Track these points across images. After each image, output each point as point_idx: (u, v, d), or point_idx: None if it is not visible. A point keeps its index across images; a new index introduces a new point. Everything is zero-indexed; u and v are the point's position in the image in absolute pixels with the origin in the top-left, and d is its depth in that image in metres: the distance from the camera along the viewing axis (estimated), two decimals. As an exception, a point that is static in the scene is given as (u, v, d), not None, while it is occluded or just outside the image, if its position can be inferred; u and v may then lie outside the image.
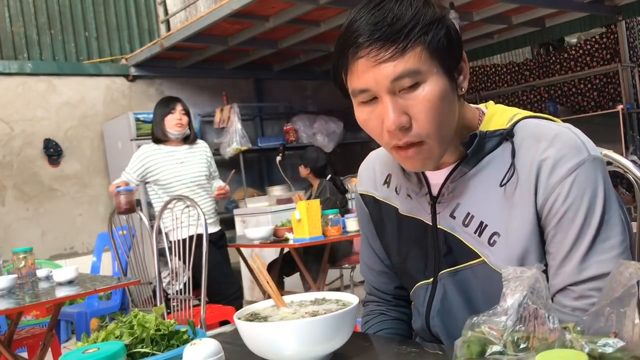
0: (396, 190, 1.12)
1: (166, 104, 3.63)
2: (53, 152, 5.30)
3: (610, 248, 0.90)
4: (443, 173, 1.03)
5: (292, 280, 4.42)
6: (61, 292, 2.37)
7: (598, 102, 6.44)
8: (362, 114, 0.95)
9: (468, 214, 0.99)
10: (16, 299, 2.29)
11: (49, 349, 2.63)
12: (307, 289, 4.06)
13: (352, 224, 3.63)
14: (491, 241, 0.97)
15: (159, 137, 3.61)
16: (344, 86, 0.97)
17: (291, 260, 3.98)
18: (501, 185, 0.96)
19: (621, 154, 1.47)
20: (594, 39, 6.44)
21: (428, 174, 1.05)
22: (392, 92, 0.89)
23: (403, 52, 0.87)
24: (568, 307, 0.91)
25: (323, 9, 4.66)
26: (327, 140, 6.32)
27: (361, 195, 1.21)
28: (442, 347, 0.97)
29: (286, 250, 4.11)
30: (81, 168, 5.49)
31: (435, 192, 1.04)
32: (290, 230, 3.68)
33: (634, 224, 1.22)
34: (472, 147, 0.97)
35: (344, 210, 4.08)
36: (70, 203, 5.40)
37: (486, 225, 0.97)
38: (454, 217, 1.01)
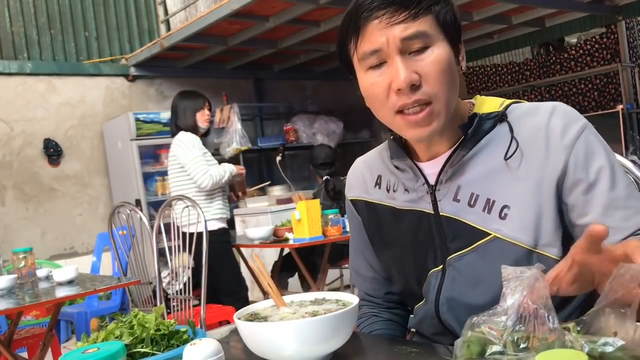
0: (387, 189, 1.13)
1: (195, 98, 3.74)
2: (53, 152, 5.30)
3: None
4: (438, 162, 1.04)
5: (294, 281, 4.42)
6: (61, 292, 2.36)
7: (599, 102, 6.44)
8: (368, 80, 0.98)
9: (472, 194, 1.01)
10: (16, 299, 2.29)
11: (49, 349, 2.63)
12: (306, 289, 4.06)
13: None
14: (502, 214, 0.98)
15: (189, 130, 3.65)
16: (349, 59, 1.01)
17: (293, 260, 3.97)
18: (506, 159, 0.99)
19: (621, 154, 1.47)
20: (594, 39, 6.44)
21: (422, 165, 1.07)
22: (402, 52, 0.93)
23: (415, 17, 0.93)
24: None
25: (323, 9, 4.66)
26: (327, 140, 6.32)
27: (352, 201, 1.22)
28: (442, 348, 0.97)
29: (287, 251, 4.11)
30: (81, 168, 5.49)
31: (432, 181, 1.05)
32: (290, 230, 3.68)
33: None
34: (473, 127, 1.00)
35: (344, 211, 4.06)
36: (70, 203, 5.40)
37: (494, 201, 0.99)
38: (458, 201, 1.02)
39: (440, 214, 1.04)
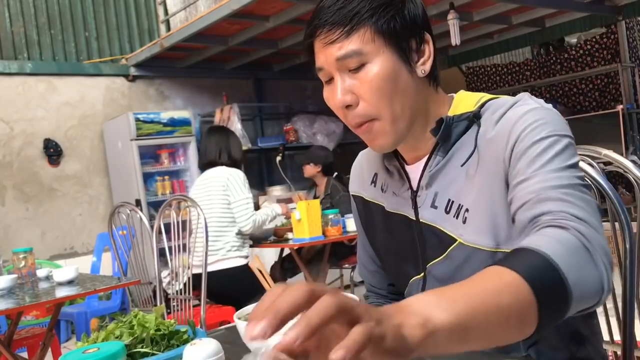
0: (382, 189, 1.13)
1: (238, 138, 3.76)
2: (53, 152, 5.29)
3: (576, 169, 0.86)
4: (420, 166, 1.03)
5: (294, 281, 4.42)
6: (61, 292, 2.37)
7: (599, 102, 6.44)
8: (325, 93, 1.00)
9: (449, 200, 0.99)
10: (16, 299, 2.29)
11: (49, 349, 2.63)
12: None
13: (352, 223, 3.63)
14: (464, 219, 0.96)
15: (239, 165, 3.58)
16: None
17: (294, 261, 3.97)
18: (461, 166, 0.97)
19: (621, 154, 1.47)
20: (594, 39, 6.43)
21: (408, 169, 1.06)
22: (341, 71, 0.93)
23: (349, 34, 0.91)
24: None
25: (323, 9, 4.66)
26: (327, 140, 6.32)
27: (352, 196, 1.23)
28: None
29: (287, 251, 4.11)
30: (81, 168, 5.49)
31: (415, 186, 1.05)
32: (291, 230, 3.68)
33: (634, 224, 1.22)
34: (440, 133, 0.97)
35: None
36: (70, 203, 5.40)
37: (464, 208, 0.97)
38: (435, 207, 1.01)
39: (420, 220, 1.03)
